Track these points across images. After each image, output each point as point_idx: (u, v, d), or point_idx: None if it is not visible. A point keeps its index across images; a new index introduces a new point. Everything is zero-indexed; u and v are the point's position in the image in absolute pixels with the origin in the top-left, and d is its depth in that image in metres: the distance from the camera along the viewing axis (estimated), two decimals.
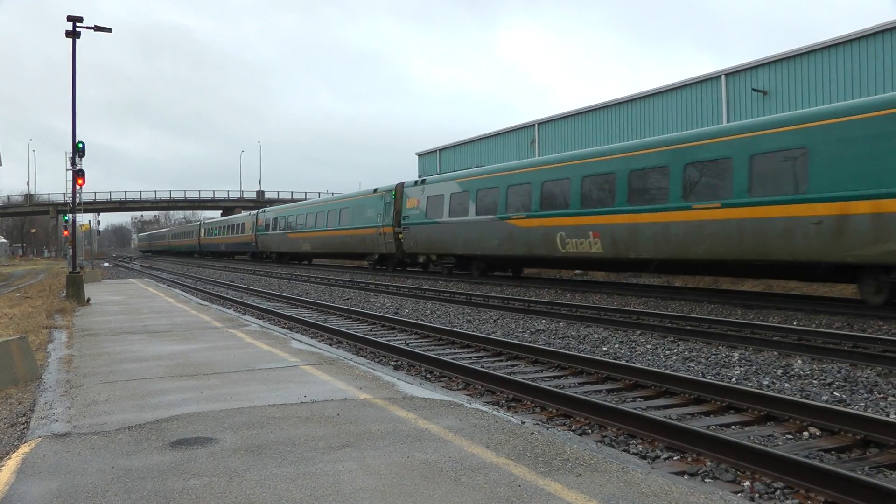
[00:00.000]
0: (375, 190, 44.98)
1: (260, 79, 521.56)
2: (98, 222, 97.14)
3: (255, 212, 73.65)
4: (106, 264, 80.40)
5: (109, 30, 26.20)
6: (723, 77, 36.51)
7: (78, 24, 24.77)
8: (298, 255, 63.63)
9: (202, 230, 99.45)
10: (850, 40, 31.01)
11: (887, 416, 8.59)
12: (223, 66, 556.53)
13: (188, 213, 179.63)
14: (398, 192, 41.14)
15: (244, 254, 79.78)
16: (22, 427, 7.79)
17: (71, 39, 24.78)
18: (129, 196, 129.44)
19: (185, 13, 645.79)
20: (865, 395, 9.89)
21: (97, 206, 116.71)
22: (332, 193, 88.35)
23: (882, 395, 9.87)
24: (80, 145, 26.11)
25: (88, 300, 23.08)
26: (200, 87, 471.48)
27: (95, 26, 25.54)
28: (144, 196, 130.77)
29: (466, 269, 36.27)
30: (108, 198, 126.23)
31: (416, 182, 39.00)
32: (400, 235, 39.81)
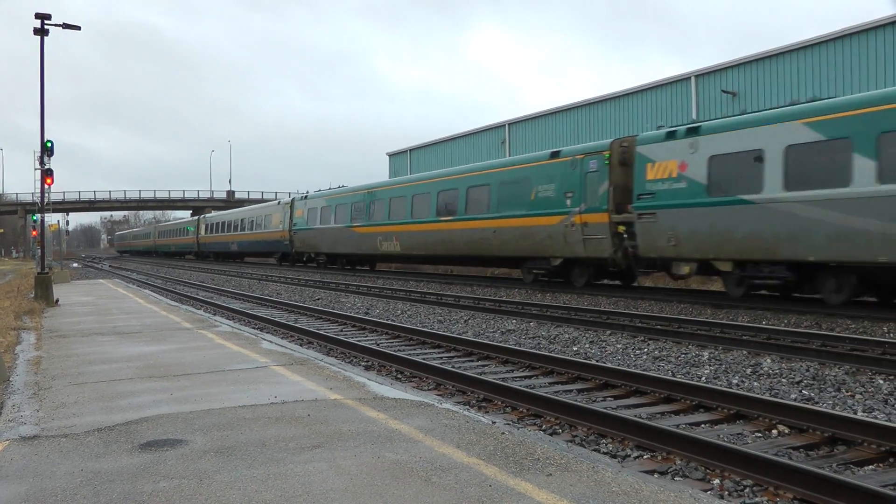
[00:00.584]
0: (556, 154, 27.54)
1: (229, 78, 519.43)
2: (67, 222, 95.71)
3: (289, 199, 55.65)
4: (75, 265, 79.58)
5: (78, 27, 25.98)
6: (692, 78, 36.77)
7: (46, 21, 24.54)
8: (368, 257, 43.58)
9: (203, 226, 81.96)
10: (818, 43, 31.31)
11: (855, 413, 8.68)
12: (191, 66, 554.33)
13: (157, 212, 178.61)
14: (616, 153, 24.53)
15: (269, 255, 63.26)
16: None
17: (39, 37, 24.54)
18: (99, 196, 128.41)
19: (152, 11, 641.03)
20: (833, 393, 9.99)
21: (66, 206, 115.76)
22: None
23: (850, 393, 9.97)
24: (49, 144, 25.86)
25: (57, 301, 22.87)
26: (169, 87, 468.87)
27: (64, 24, 25.31)
28: (114, 196, 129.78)
29: (771, 285, 20.29)
30: (78, 197, 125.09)
31: (668, 134, 22.43)
32: (621, 228, 23.81)
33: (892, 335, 14.66)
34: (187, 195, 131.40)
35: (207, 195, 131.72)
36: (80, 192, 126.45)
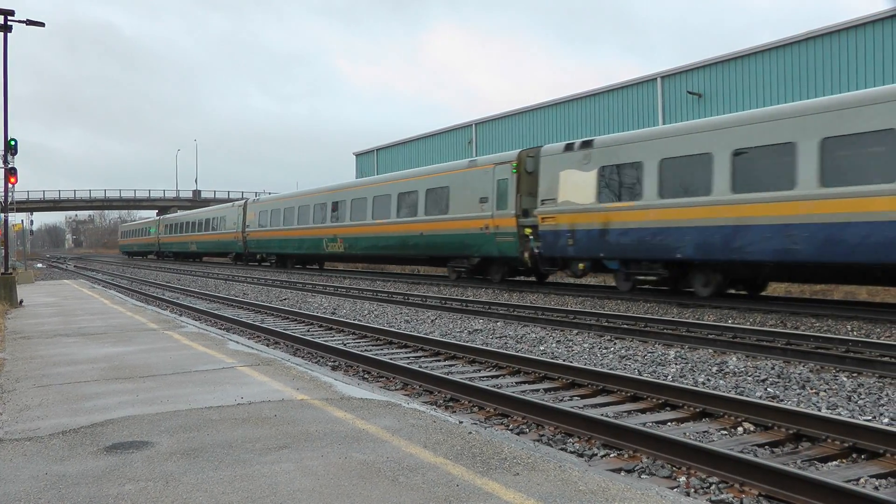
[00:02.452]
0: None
1: (189, 78, 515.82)
2: (31, 222, 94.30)
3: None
4: (39, 265, 78.86)
5: (42, 24, 25.69)
6: (658, 80, 36.96)
7: (10, 17, 24.24)
8: None
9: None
10: (784, 45, 31.58)
11: (819, 410, 8.76)
12: (151, 65, 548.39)
13: (123, 212, 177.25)
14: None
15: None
16: None
17: (2, 33, 24.26)
18: (63, 195, 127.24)
19: (110, 9, 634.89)
20: (798, 391, 10.08)
21: (30, 206, 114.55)
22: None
23: (814, 391, 10.07)
24: (13, 143, 25.56)
25: (21, 302, 22.65)
26: (130, 86, 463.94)
27: (28, 20, 25.05)
28: (79, 195, 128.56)
29: None
30: (42, 197, 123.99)
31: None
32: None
33: (854, 333, 14.85)
34: (153, 195, 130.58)
35: (173, 195, 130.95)
36: (44, 191, 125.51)
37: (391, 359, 12.83)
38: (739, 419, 8.41)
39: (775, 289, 24.82)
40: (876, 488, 6.31)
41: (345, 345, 14.88)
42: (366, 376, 11.85)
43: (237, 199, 59.15)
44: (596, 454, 7.37)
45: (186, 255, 79.45)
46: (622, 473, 6.59)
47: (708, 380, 10.94)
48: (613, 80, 39.44)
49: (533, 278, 30.57)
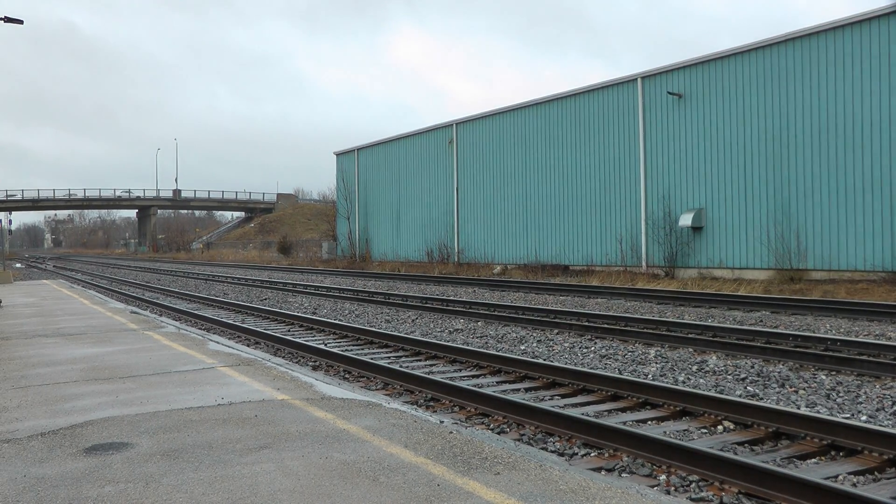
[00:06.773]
0: None
1: (157, 79, 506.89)
2: (10, 221, 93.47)
3: None
4: (18, 265, 78.37)
5: (21, 21, 25.53)
6: (639, 80, 36.97)
7: None
8: None
9: None
10: (762, 46, 31.66)
11: (798, 408, 8.81)
12: (117, 65, 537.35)
13: (103, 212, 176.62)
14: None
15: None
16: None
17: None
18: (43, 195, 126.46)
19: (71, 9, 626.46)
20: (777, 389, 10.13)
21: (9, 205, 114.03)
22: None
23: (793, 389, 10.12)
24: None
25: None
26: (99, 86, 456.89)
27: (6, 17, 24.88)
28: (58, 195, 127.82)
29: None
30: (21, 196, 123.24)
31: None
32: None
33: (833, 332, 14.92)
34: (133, 194, 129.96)
35: (153, 194, 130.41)
36: (23, 190, 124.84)
37: (372, 359, 12.83)
38: (719, 417, 8.45)
39: (753, 288, 24.93)
40: (854, 485, 6.35)
41: (325, 345, 14.86)
42: (346, 376, 11.84)
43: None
44: (576, 453, 7.38)
45: None
46: (603, 472, 6.61)
47: (688, 378, 10.98)
48: (580, 84, 39.58)
49: None
